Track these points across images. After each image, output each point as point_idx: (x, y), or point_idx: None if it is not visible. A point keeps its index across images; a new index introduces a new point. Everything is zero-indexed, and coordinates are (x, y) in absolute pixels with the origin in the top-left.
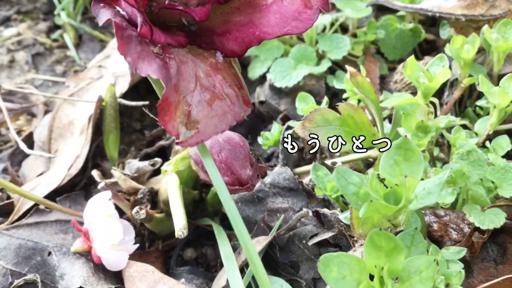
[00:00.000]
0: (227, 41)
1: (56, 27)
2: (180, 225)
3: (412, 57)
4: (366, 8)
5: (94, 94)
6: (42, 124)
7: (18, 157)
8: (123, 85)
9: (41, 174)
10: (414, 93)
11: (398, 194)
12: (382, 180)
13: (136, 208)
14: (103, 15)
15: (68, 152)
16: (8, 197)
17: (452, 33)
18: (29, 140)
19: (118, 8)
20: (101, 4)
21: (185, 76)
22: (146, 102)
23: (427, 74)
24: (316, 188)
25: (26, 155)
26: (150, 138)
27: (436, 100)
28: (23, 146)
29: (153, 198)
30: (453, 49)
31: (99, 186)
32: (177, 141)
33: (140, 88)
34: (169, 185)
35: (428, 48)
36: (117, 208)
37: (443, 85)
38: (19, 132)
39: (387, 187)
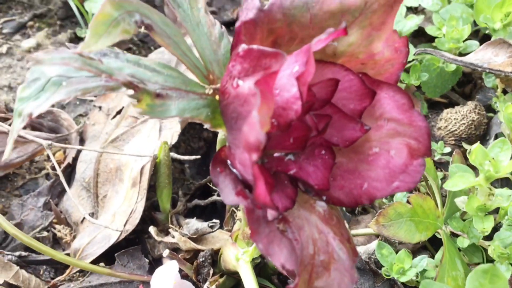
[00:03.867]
0: (333, 189)
1: (77, 37)
2: None
3: (479, 144)
4: (411, 54)
5: (139, 140)
6: (83, 160)
7: (57, 189)
8: (172, 135)
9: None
10: (457, 140)
11: None
12: None
13: (207, 285)
14: (228, 192)
15: (119, 202)
16: (54, 236)
17: (497, 83)
18: (67, 171)
19: (229, 163)
20: (218, 169)
21: (305, 245)
22: (198, 156)
23: (493, 163)
24: (383, 269)
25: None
26: (198, 186)
27: None
28: (82, 212)
29: (213, 257)
30: (506, 115)
31: (164, 255)
32: None
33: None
34: (245, 277)
35: (464, 80)
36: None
37: (488, 139)
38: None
39: None
